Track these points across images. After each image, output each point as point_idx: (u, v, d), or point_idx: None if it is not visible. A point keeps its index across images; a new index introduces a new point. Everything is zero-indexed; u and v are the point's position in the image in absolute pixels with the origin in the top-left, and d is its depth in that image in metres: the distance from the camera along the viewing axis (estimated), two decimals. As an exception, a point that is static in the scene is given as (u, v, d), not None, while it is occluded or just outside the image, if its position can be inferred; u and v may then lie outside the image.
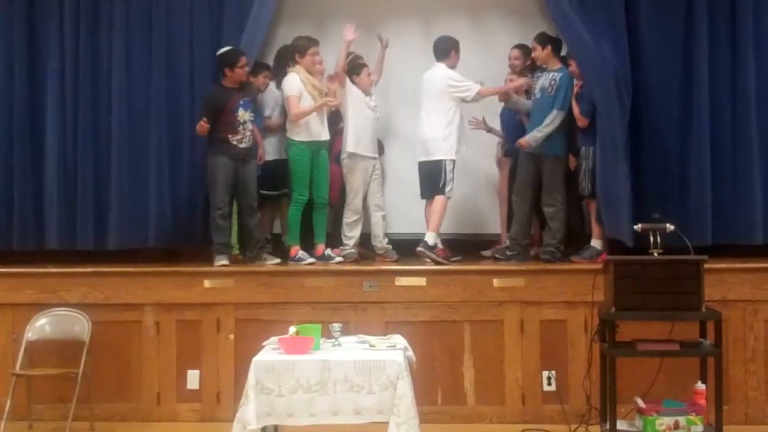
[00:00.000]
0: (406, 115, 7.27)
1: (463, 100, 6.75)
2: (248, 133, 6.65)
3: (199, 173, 6.89)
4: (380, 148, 7.22)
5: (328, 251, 6.82)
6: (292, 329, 5.01)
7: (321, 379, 4.63)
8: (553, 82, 6.63)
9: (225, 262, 6.55)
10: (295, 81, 6.75)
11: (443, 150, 6.73)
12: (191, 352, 6.27)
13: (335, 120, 7.11)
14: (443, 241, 6.95)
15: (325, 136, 6.87)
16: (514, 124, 7.05)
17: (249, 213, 6.74)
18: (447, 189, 6.73)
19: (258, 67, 7.00)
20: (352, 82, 6.91)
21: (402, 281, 6.25)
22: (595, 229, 6.68)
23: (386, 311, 6.19)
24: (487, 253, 7.14)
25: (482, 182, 7.46)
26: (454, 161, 6.74)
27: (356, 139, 6.88)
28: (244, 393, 4.67)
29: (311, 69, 6.83)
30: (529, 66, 7.01)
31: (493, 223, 7.29)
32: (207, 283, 6.31)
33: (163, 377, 6.29)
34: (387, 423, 4.60)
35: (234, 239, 7.05)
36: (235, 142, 6.59)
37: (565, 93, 6.58)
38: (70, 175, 6.99)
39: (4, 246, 6.97)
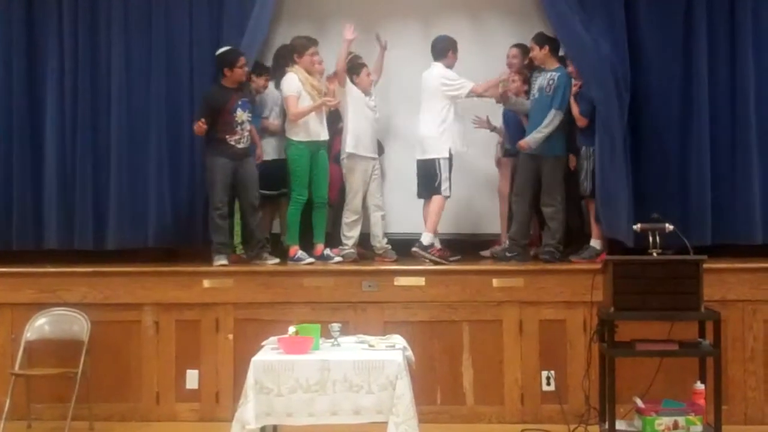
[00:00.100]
0: (406, 115, 7.28)
1: (458, 98, 6.77)
2: (246, 134, 6.65)
3: (198, 173, 6.90)
4: (380, 149, 7.22)
5: (327, 251, 6.82)
6: (292, 329, 5.01)
7: (320, 378, 4.63)
8: (551, 82, 6.63)
9: (224, 262, 6.55)
10: (293, 81, 6.75)
11: (437, 148, 6.75)
12: (190, 352, 6.27)
13: (335, 120, 7.11)
14: (442, 241, 6.97)
15: (325, 136, 6.87)
16: (516, 123, 7.04)
17: (250, 212, 6.74)
18: (443, 188, 6.73)
19: (259, 69, 7.00)
20: (352, 82, 6.91)
21: (401, 281, 6.25)
22: (595, 229, 6.68)
23: (385, 311, 6.20)
24: (486, 253, 7.14)
25: (482, 182, 7.45)
26: (448, 159, 6.74)
27: (356, 140, 6.88)
28: (243, 393, 4.67)
29: (310, 69, 6.83)
30: (527, 65, 7.01)
31: (493, 223, 7.29)
32: (206, 283, 6.32)
33: (163, 377, 6.30)
34: (386, 423, 4.60)
35: (237, 239, 7.05)
36: (232, 143, 6.59)
37: (563, 93, 6.59)
38: (70, 175, 6.99)
39: (3, 246, 6.97)
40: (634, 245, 6.04)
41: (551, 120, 6.57)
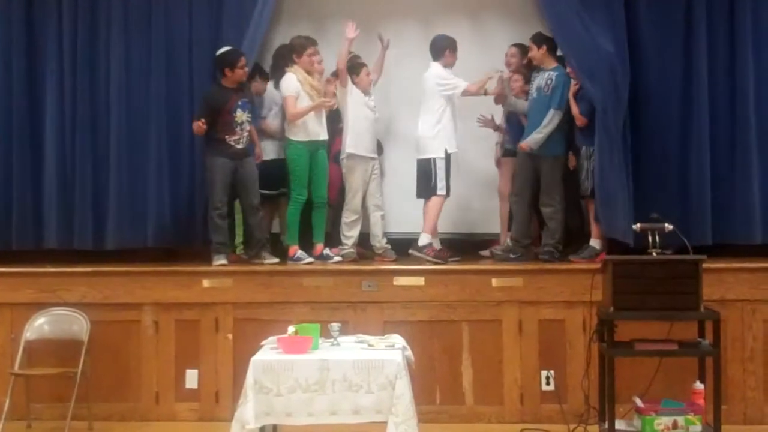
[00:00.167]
0: (405, 115, 7.28)
1: (453, 98, 6.78)
2: (246, 134, 6.66)
3: (198, 173, 6.90)
4: (379, 148, 7.22)
5: (327, 251, 6.82)
6: (291, 329, 5.01)
7: (319, 378, 4.63)
8: (549, 81, 6.64)
9: (223, 261, 6.55)
10: (292, 81, 6.75)
11: (433, 148, 6.77)
12: (190, 352, 6.27)
13: (335, 120, 7.11)
14: (442, 241, 6.97)
15: (324, 135, 6.87)
16: (518, 123, 7.03)
17: (251, 212, 6.74)
18: (438, 187, 6.74)
19: (257, 72, 7.00)
20: (352, 81, 6.91)
21: (400, 281, 6.25)
22: (594, 228, 6.68)
23: (385, 311, 6.20)
24: (486, 252, 7.14)
25: (482, 182, 7.45)
26: (444, 159, 6.75)
27: (356, 140, 6.88)
28: (242, 392, 4.67)
29: (309, 69, 6.82)
30: (526, 65, 7.01)
31: (492, 223, 7.28)
32: (206, 283, 6.32)
33: (162, 377, 6.30)
34: (385, 423, 4.60)
35: (239, 239, 7.05)
36: (232, 143, 6.59)
37: (562, 92, 6.59)
38: (69, 175, 6.99)
39: (3, 245, 6.97)
40: (634, 245, 6.03)
41: (550, 120, 6.58)
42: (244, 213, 6.84)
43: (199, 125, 6.45)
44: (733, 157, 6.73)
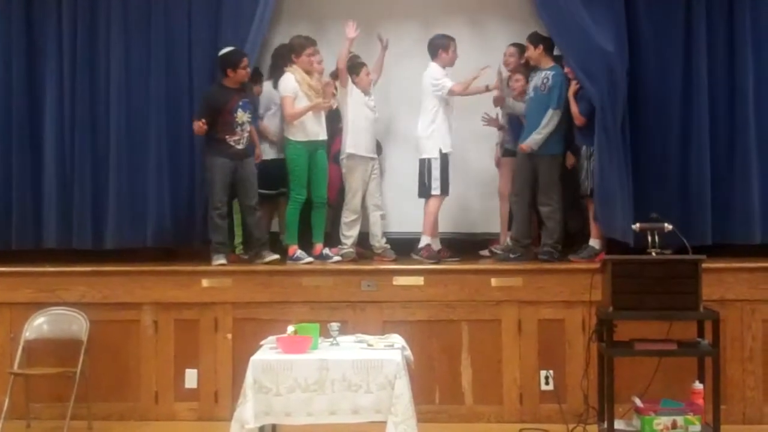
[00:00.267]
0: (405, 115, 7.28)
1: (446, 98, 6.80)
2: (246, 134, 6.66)
3: (197, 173, 6.90)
4: (378, 148, 7.22)
5: (326, 251, 6.82)
6: (290, 328, 5.01)
7: (319, 378, 4.63)
8: (545, 81, 6.64)
9: (223, 261, 6.55)
10: (290, 81, 6.75)
11: (428, 148, 6.80)
12: (189, 352, 6.27)
13: (334, 120, 7.11)
14: (442, 241, 6.97)
15: (323, 135, 6.87)
16: (518, 123, 7.03)
17: (249, 212, 6.74)
18: (433, 188, 6.75)
19: (254, 76, 7.00)
20: (352, 81, 6.91)
21: (400, 281, 6.25)
22: (594, 228, 6.68)
23: (384, 311, 6.20)
24: (485, 252, 7.15)
25: (481, 182, 7.45)
26: (439, 159, 6.75)
27: (356, 140, 6.88)
28: (242, 392, 4.67)
29: (308, 69, 6.82)
30: (524, 64, 7.02)
31: (493, 223, 7.28)
32: (205, 283, 6.32)
33: (161, 376, 6.30)
34: (385, 422, 4.60)
35: (239, 239, 7.05)
36: (232, 143, 6.59)
37: (559, 91, 6.59)
38: (69, 175, 6.98)
39: (2, 245, 6.96)
40: (634, 245, 6.03)
41: (549, 119, 6.58)
42: (242, 213, 6.84)
43: (200, 125, 6.45)
44: (732, 157, 6.73)
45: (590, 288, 5.48)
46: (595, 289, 5.45)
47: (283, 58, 6.91)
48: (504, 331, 6.15)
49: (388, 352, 4.86)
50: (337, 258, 6.76)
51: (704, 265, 5.11)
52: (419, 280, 6.25)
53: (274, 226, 7.30)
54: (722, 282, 6.03)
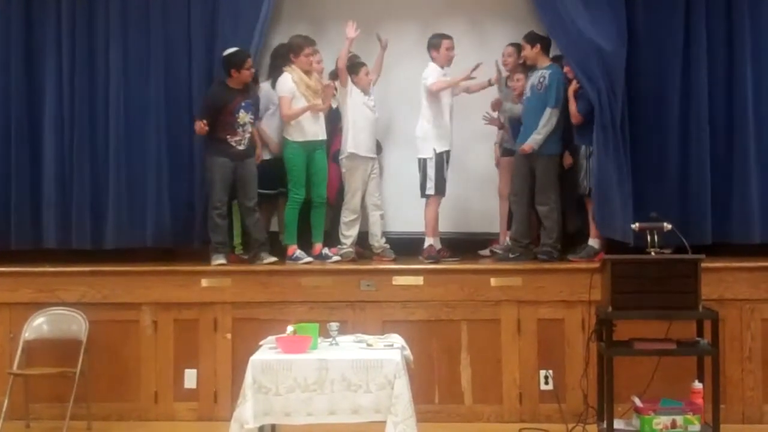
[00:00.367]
0: (405, 115, 7.28)
1: (440, 97, 6.82)
2: (247, 135, 6.65)
3: (196, 173, 6.90)
4: (378, 148, 7.22)
5: (326, 250, 6.82)
6: (290, 328, 5.01)
7: (318, 378, 4.63)
8: (542, 80, 6.65)
9: (222, 261, 6.55)
10: (287, 82, 6.75)
11: (423, 148, 6.83)
12: (188, 352, 6.28)
13: (334, 119, 7.10)
14: (442, 241, 6.97)
15: (322, 135, 6.87)
16: (518, 122, 7.03)
17: (247, 212, 6.74)
18: (428, 187, 6.77)
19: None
20: (351, 81, 6.91)
21: (399, 280, 6.25)
22: (593, 228, 6.68)
23: (383, 310, 6.20)
24: (485, 252, 7.15)
25: (480, 181, 7.44)
26: (434, 159, 6.75)
27: (356, 140, 6.88)
28: (241, 392, 4.67)
29: (307, 68, 6.82)
30: (522, 64, 7.02)
31: (492, 223, 7.28)
32: (204, 283, 6.32)
33: (161, 376, 6.30)
34: (384, 422, 4.60)
35: (238, 239, 7.05)
36: (233, 143, 6.59)
37: (557, 90, 6.60)
38: (68, 175, 6.98)
39: (2, 245, 6.95)
40: (633, 244, 6.03)
41: (548, 119, 6.58)
42: (241, 213, 6.83)
43: (201, 126, 6.45)
44: (731, 156, 6.73)
45: (590, 287, 5.47)
46: (594, 288, 5.45)
47: (283, 57, 6.91)
48: (503, 330, 6.15)
49: (388, 352, 4.86)
50: (336, 258, 6.76)
51: (703, 265, 5.11)
52: (419, 280, 6.25)
53: (274, 226, 7.30)
54: (721, 281, 6.03)
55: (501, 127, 7.26)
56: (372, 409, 4.63)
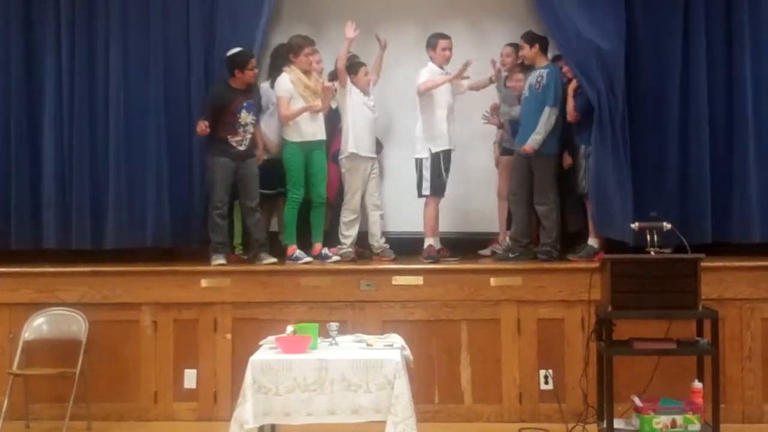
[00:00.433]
0: (404, 115, 7.28)
1: (435, 97, 6.83)
2: (248, 136, 6.65)
3: (197, 173, 6.91)
4: (378, 146, 7.22)
5: (325, 250, 6.82)
6: (290, 328, 5.01)
7: (318, 378, 4.63)
8: (539, 79, 6.65)
9: (222, 261, 6.55)
10: (285, 82, 6.75)
11: (419, 148, 6.86)
12: (188, 352, 6.27)
13: (334, 120, 7.10)
14: (442, 240, 6.97)
15: (321, 135, 6.86)
16: (517, 123, 7.04)
17: (248, 213, 6.74)
18: (423, 188, 6.79)
19: None
20: (350, 81, 6.91)
21: (399, 280, 6.25)
22: (592, 228, 6.68)
23: (383, 310, 6.20)
24: (486, 251, 7.15)
25: (480, 181, 7.44)
26: (429, 158, 6.76)
27: (356, 140, 6.87)
28: (241, 392, 4.67)
29: (307, 68, 6.82)
30: (520, 64, 7.02)
31: (493, 223, 7.28)
32: (204, 283, 6.32)
33: (160, 376, 6.30)
34: (384, 422, 4.60)
35: (238, 239, 7.05)
36: (234, 143, 6.59)
37: (555, 88, 6.60)
38: (68, 175, 6.98)
39: (2, 245, 6.95)
40: (632, 244, 6.03)
41: (547, 117, 6.58)
42: (243, 214, 6.84)
43: (203, 127, 6.44)
44: (731, 156, 6.74)
45: (589, 287, 5.47)
46: (594, 288, 5.44)
47: (282, 57, 6.91)
48: (503, 330, 6.15)
49: (388, 352, 4.86)
50: (336, 258, 6.76)
51: (703, 264, 5.10)
52: (418, 280, 6.25)
53: (274, 226, 7.30)
54: (721, 281, 6.03)
55: (500, 126, 7.27)
56: (372, 409, 4.62)
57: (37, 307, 6.25)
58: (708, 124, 6.70)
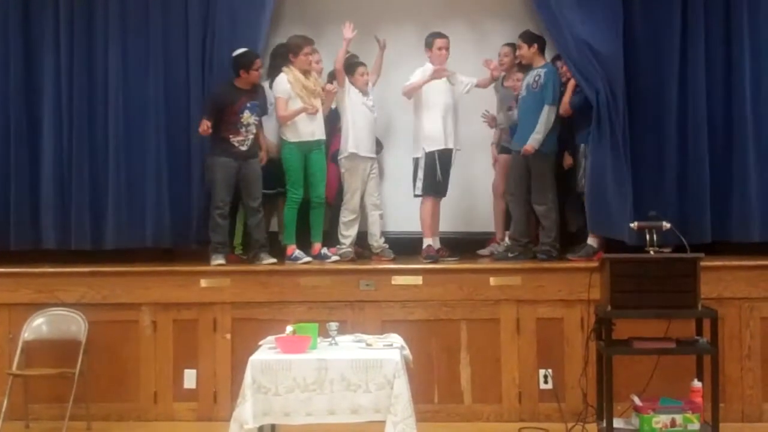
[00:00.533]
0: (403, 115, 7.27)
1: (431, 96, 6.85)
2: (250, 136, 6.65)
3: (196, 173, 6.91)
4: (378, 146, 7.22)
5: (325, 250, 6.82)
6: (289, 328, 5.01)
7: (318, 378, 4.63)
8: (537, 78, 6.66)
9: (222, 261, 6.55)
10: (283, 83, 6.75)
11: (414, 148, 6.89)
12: (188, 352, 6.27)
13: (333, 119, 7.10)
14: (442, 240, 6.97)
15: (319, 135, 6.86)
16: (516, 123, 7.05)
17: (249, 213, 6.74)
18: (416, 187, 6.81)
19: None
20: (349, 81, 6.91)
21: (398, 280, 6.25)
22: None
23: (383, 310, 6.20)
24: (485, 251, 7.15)
25: (479, 181, 7.44)
26: (424, 158, 6.77)
27: (355, 140, 6.87)
28: (240, 392, 4.67)
29: (306, 68, 6.82)
30: (518, 64, 7.02)
31: (492, 222, 7.29)
32: (204, 283, 6.32)
33: (160, 376, 6.30)
34: (384, 422, 4.60)
35: (238, 239, 7.04)
36: (236, 143, 6.59)
37: (553, 87, 6.61)
38: (67, 175, 6.98)
39: (1, 246, 6.95)
40: (632, 243, 6.03)
41: (546, 116, 6.58)
42: (245, 214, 6.83)
43: (205, 128, 6.44)
44: (730, 155, 6.74)
45: (589, 287, 5.48)
46: (593, 287, 5.45)
47: (282, 57, 6.91)
48: (503, 330, 6.15)
49: (387, 352, 4.86)
50: (335, 258, 6.76)
51: (702, 264, 5.10)
52: (418, 280, 6.25)
53: (273, 226, 7.30)
54: (720, 280, 6.03)
55: (493, 125, 7.27)
56: (371, 408, 4.62)
57: (36, 307, 6.25)
58: (707, 124, 6.71)
